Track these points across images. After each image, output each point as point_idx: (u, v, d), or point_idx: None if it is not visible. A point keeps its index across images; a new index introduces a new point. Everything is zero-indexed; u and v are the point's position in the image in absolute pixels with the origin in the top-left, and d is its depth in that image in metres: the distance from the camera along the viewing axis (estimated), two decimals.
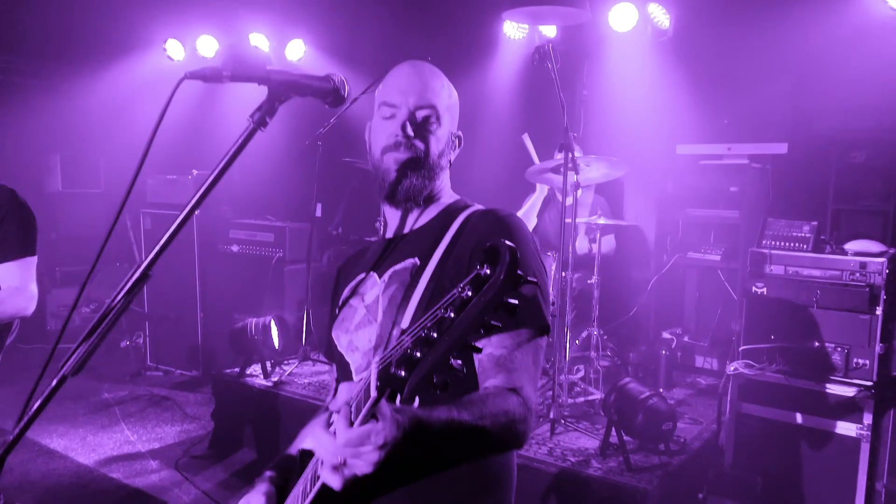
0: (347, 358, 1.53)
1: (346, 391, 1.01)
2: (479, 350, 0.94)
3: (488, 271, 0.88)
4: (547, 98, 4.47)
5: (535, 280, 0.92)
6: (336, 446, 0.98)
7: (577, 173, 3.83)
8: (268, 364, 4.74)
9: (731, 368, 3.74)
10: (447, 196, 1.62)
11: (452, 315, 0.90)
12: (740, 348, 3.76)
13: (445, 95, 1.55)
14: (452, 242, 1.47)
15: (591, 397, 4.20)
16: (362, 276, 1.60)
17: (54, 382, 1.23)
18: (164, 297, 6.10)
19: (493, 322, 0.90)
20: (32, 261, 2.70)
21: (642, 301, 5.32)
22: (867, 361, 3.46)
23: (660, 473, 3.36)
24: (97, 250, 1.31)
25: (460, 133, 1.63)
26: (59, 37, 6.58)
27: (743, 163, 5.01)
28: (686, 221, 5.32)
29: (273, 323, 4.85)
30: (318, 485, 1.15)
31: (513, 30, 5.52)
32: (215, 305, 5.97)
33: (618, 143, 5.16)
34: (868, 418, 3.40)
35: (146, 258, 1.27)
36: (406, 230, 1.59)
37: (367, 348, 1.48)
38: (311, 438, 1.48)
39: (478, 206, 1.59)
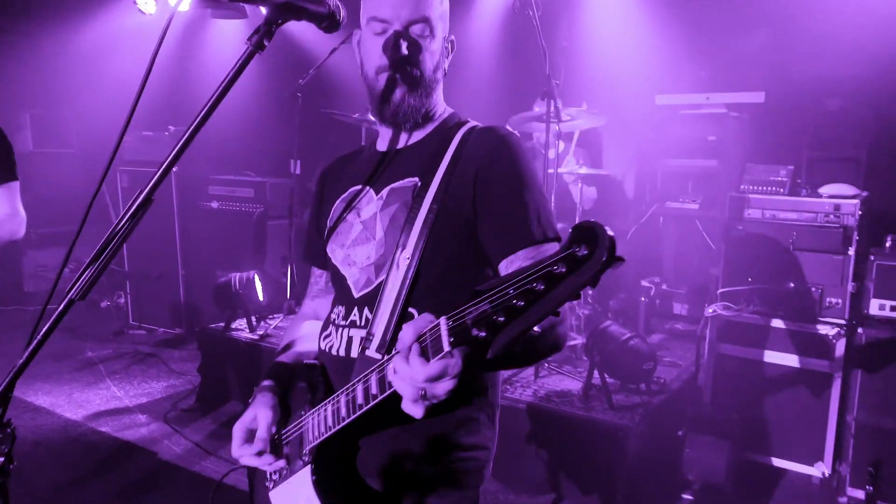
0: (343, 271, 1.54)
1: (412, 332, 1.07)
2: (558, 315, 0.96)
3: (585, 252, 0.89)
4: (527, 46, 4.46)
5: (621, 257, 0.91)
6: (418, 379, 1.04)
7: (559, 121, 3.86)
8: (253, 318, 4.76)
9: (710, 310, 3.84)
10: (441, 108, 1.59)
11: (543, 288, 0.91)
12: (719, 291, 3.86)
13: (437, 2, 1.49)
14: (453, 161, 1.46)
15: (572, 342, 4.29)
16: (356, 189, 1.58)
17: (61, 306, 1.25)
18: (145, 255, 6.07)
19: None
20: (16, 185, 2.70)
21: (621, 250, 5.39)
22: (840, 300, 3.58)
23: (641, 412, 3.46)
24: (72, 211, 1.32)
25: (453, 37, 1.57)
26: None
27: (721, 112, 5.06)
28: (665, 171, 5.39)
29: (257, 277, 4.86)
30: (373, 403, 1.22)
31: None
32: (197, 262, 5.96)
33: (598, 93, 5.18)
34: (840, 355, 3.53)
35: (149, 183, 1.28)
36: (400, 145, 1.56)
37: (365, 264, 1.49)
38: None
39: (474, 122, 1.57)
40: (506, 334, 0.95)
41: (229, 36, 6.58)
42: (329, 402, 1.36)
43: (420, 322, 1.07)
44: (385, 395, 1.18)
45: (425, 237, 1.40)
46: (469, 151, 1.46)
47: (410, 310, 1.41)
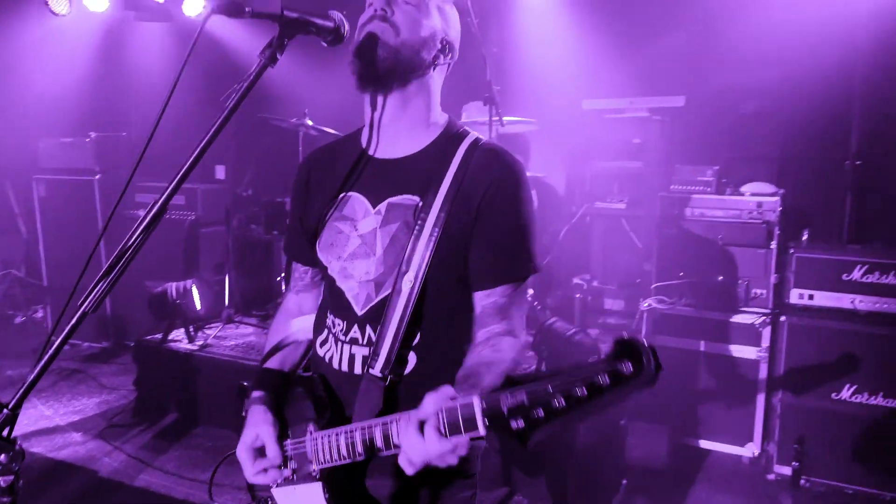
0: (340, 284, 1.53)
1: (434, 402, 1.13)
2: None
3: (631, 370, 0.94)
4: (463, 50, 4.56)
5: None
6: (431, 453, 1.11)
7: (501, 125, 3.97)
8: (191, 328, 4.65)
9: (645, 304, 4.05)
10: (439, 115, 1.55)
11: (585, 395, 0.96)
12: (653, 286, 4.07)
13: None
14: (456, 181, 1.44)
15: None
16: (347, 195, 1.55)
17: (75, 319, 1.24)
18: (65, 268, 5.80)
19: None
20: None
21: (555, 250, 5.59)
22: (764, 291, 3.85)
23: None
24: None
25: (453, 44, 1.55)
26: None
27: (644, 115, 5.32)
28: (593, 173, 5.60)
29: (194, 286, 4.75)
30: (381, 456, 1.28)
31: None
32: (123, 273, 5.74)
33: (527, 99, 5.34)
34: (766, 342, 3.80)
35: (164, 192, 1.28)
36: (396, 152, 1.53)
37: (364, 279, 1.49)
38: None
39: (475, 135, 1.54)
40: (544, 430, 1.00)
41: (152, 38, 6.38)
42: (343, 431, 1.36)
43: (441, 396, 1.13)
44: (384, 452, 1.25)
45: (428, 261, 1.41)
46: (473, 174, 1.45)
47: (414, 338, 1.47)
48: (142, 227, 1.28)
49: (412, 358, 1.47)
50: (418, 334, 1.46)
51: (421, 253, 1.41)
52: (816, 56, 4.28)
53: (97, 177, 5.60)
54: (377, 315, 1.45)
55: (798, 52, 4.32)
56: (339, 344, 1.53)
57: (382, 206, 1.49)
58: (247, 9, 1.18)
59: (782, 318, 3.72)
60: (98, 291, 1.26)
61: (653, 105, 5.31)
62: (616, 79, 5.42)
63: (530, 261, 1.47)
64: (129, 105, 6.34)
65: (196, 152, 1.31)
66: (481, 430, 1.05)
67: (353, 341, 1.50)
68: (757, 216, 3.85)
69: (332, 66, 2.84)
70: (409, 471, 1.15)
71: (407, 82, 1.47)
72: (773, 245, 3.82)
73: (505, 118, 4.13)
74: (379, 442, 1.25)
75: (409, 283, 1.41)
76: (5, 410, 1.20)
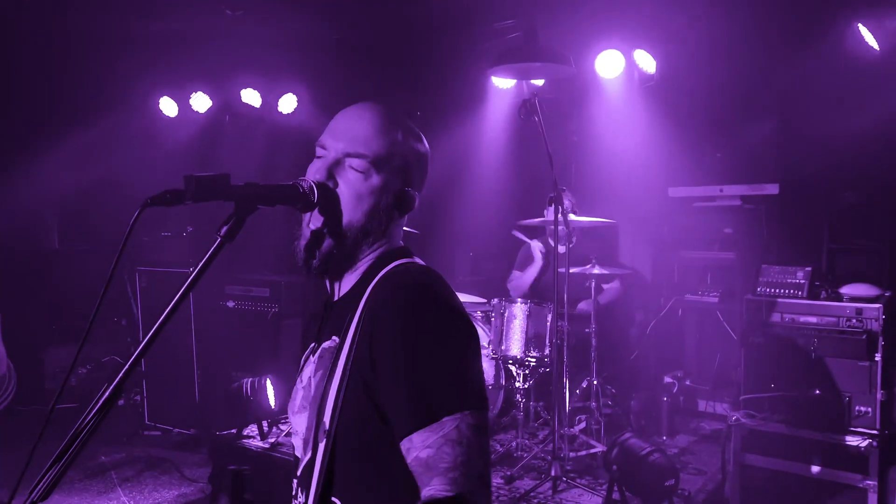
0: (294, 440, 1.42)
1: None
2: None
3: None
4: (536, 147, 4.51)
5: None
6: None
7: (567, 227, 3.83)
8: (264, 424, 4.68)
9: (733, 419, 3.69)
10: (374, 253, 1.39)
11: None
12: (741, 398, 3.71)
13: (386, 141, 1.34)
14: (361, 318, 1.28)
15: (593, 450, 4.14)
16: (312, 345, 1.46)
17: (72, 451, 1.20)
18: (160, 353, 6.06)
19: None
20: None
21: (642, 345, 5.28)
22: (869, 409, 3.41)
23: None
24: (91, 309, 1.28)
25: (412, 191, 1.39)
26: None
27: (735, 204, 5.02)
28: (682, 264, 5.31)
29: (269, 382, 4.80)
30: None
31: (501, 80, 5.57)
32: (212, 362, 5.93)
33: (610, 187, 5.19)
34: (874, 468, 3.34)
35: (117, 376, 1.24)
36: (337, 294, 1.43)
37: (304, 436, 1.36)
38: None
39: (397, 263, 1.36)
40: None
41: (247, 135, 6.75)
42: None
43: None
44: None
45: (339, 410, 1.25)
46: (369, 307, 1.29)
47: (333, 500, 1.28)
48: (95, 410, 1.23)
49: None
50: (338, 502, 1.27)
51: (331, 402, 1.26)
52: None
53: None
54: (307, 476, 1.30)
55: None
56: None
57: (318, 353, 1.40)
58: (187, 196, 1.14)
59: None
60: (49, 478, 1.22)
61: (745, 193, 5.01)
62: (704, 167, 5.17)
63: (449, 396, 1.19)
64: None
65: (166, 312, 1.26)
66: None
67: None
68: (856, 324, 3.45)
69: None
70: None
71: (356, 261, 1.38)
72: (878, 357, 3.39)
73: (574, 217, 3.99)
74: None
75: (323, 435, 1.26)
76: None
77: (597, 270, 4.31)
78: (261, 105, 6.60)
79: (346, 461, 1.26)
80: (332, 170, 1.33)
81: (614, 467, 3.46)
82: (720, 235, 5.11)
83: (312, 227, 1.34)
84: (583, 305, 4.64)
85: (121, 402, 6.52)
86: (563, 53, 4.27)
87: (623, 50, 5.09)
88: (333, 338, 1.35)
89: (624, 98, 5.39)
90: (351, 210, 1.32)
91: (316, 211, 1.32)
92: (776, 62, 4.54)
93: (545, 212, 4.62)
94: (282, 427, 4.82)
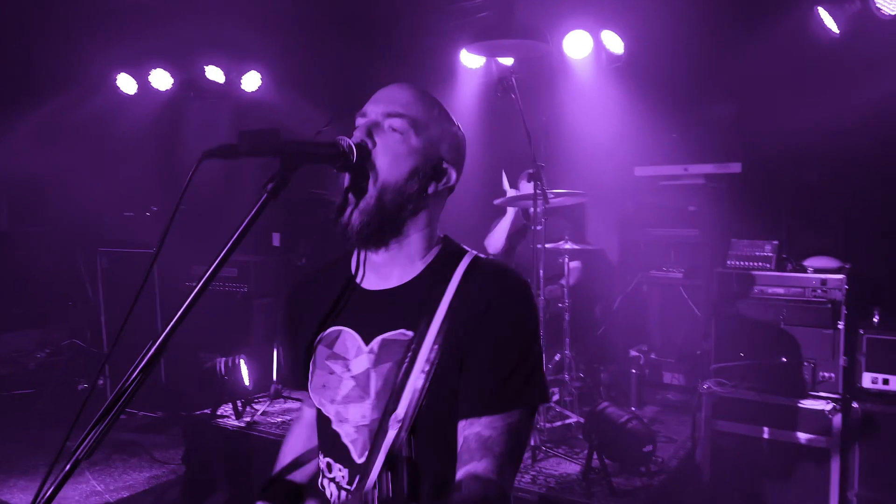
0: (336, 427, 1.42)
1: None
2: None
3: None
4: (508, 124, 4.55)
5: None
6: None
7: (546, 203, 3.90)
8: (238, 403, 4.65)
9: (704, 387, 3.83)
10: (432, 239, 1.43)
11: None
12: (712, 367, 3.86)
13: (427, 109, 1.38)
14: (452, 308, 1.32)
15: (568, 420, 4.24)
16: (337, 330, 1.44)
17: (68, 466, 1.20)
18: (124, 337, 5.94)
19: None
20: None
21: (609, 321, 5.41)
22: (833, 374, 3.59)
23: (643, 496, 3.41)
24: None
25: (451, 165, 1.42)
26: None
27: (700, 183, 5.17)
28: (647, 241, 5.45)
29: (242, 361, 4.76)
30: None
31: (470, 59, 5.59)
32: (179, 344, 5.81)
33: (578, 167, 5.27)
34: (837, 430, 3.52)
35: (162, 333, 1.25)
36: (388, 283, 1.41)
37: (360, 423, 1.37)
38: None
39: (473, 254, 1.42)
40: None
41: (210, 115, 6.62)
42: None
43: None
44: None
45: (418, 401, 1.28)
46: (470, 298, 1.33)
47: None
48: (140, 367, 1.23)
49: None
50: (409, 481, 1.31)
51: (411, 393, 1.28)
52: (883, 122, 4.08)
53: (155, 250, 5.75)
54: (369, 462, 1.32)
55: (858, 118, 4.12)
56: (340, 492, 1.40)
57: (375, 344, 1.37)
58: (241, 149, 1.14)
59: (854, 405, 3.45)
60: (94, 436, 1.22)
61: (709, 171, 5.16)
62: (669, 147, 5.30)
63: (529, 391, 1.30)
64: (185, 180, 6.53)
65: (201, 282, 1.26)
66: None
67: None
68: (821, 294, 3.62)
69: None
70: None
71: (401, 234, 1.38)
72: (841, 325, 3.57)
73: (553, 191, 4.05)
74: None
75: (397, 424, 1.29)
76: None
77: (569, 246, 4.39)
78: (224, 82, 6.46)
79: (421, 444, 1.30)
80: (372, 130, 1.34)
81: (594, 435, 3.56)
82: (684, 213, 5.26)
83: (351, 187, 1.33)
84: (552, 288, 4.70)
85: (81, 386, 6.40)
86: (540, 29, 4.31)
87: (591, 30, 5.16)
88: (401, 331, 1.34)
89: (592, 79, 5.47)
90: (389, 170, 1.32)
91: (355, 171, 1.32)
92: (738, 44, 4.66)
93: (520, 185, 4.67)
94: (256, 406, 4.80)
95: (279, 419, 4.61)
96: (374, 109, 1.36)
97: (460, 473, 1.26)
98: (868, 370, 3.48)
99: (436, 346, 1.29)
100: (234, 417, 4.59)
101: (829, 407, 3.54)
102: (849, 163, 4.45)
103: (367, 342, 1.39)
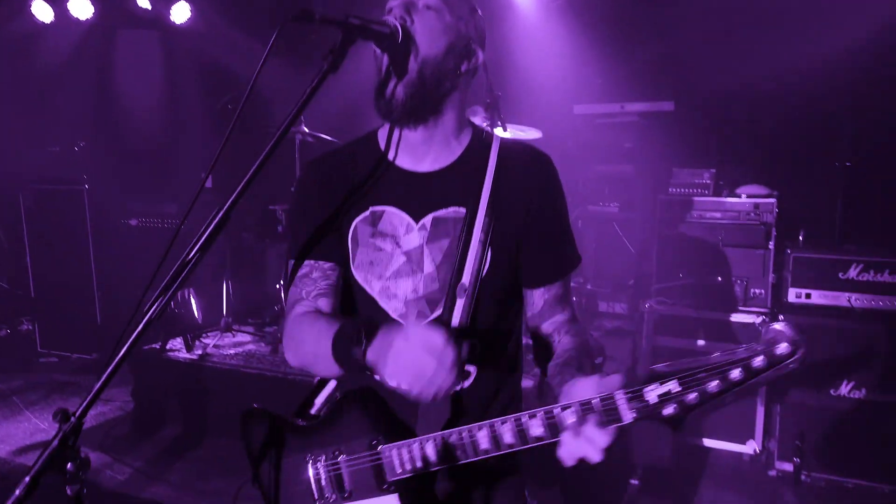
0: (382, 304, 1.49)
1: (583, 391, 1.19)
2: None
3: (787, 350, 1.07)
4: None
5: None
6: (599, 445, 1.15)
7: (504, 130, 4.01)
8: (189, 337, 4.61)
9: (647, 306, 4.10)
10: (463, 120, 1.54)
11: (741, 377, 1.09)
12: (653, 287, 4.13)
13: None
14: (496, 185, 1.46)
15: None
16: (380, 210, 1.49)
17: (140, 326, 1.24)
18: (53, 279, 5.72)
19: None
20: None
21: None
22: (762, 291, 3.93)
23: None
24: None
25: (478, 45, 1.48)
26: None
27: (635, 120, 5.40)
28: (585, 177, 5.66)
29: (192, 295, 4.71)
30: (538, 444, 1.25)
31: None
32: (114, 284, 5.67)
33: (520, 105, 5.39)
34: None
35: (228, 200, 1.29)
36: (430, 165, 1.50)
37: (410, 297, 1.46)
38: None
39: (497, 136, 1.57)
40: (693, 410, 1.13)
41: (140, 47, 6.32)
42: (430, 438, 1.33)
43: (609, 384, 1.18)
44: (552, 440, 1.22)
45: (482, 270, 1.43)
46: (513, 175, 1.50)
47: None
48: (202, 241, 1.27)
49: (472, 370, 1.48)
50: (477, 344, 1.45)
51: (472, 263, 1.43)
52: (807, 60, 4.39)
53: (86, 187, 5.53)
54: None
55: (789, 57, 4.42)
56: None
57: (427, 221, 1.47)
58: (317, 16, 1.19)
59: (780, 317, 3.79)
60: (161, 302, 1.26)
61: (643, 110, 5.40)
62: (607, 84, 5.49)
63: (576, 251, 1.60)
64: (117, 114, 6.27)
65: (256, 165, 1.31)
66: (625, 419, 1.14)
67: None
68: (754, 217, 3.93)
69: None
70: (570, 463, 1.17)
71: (439, 111, 1.47)
72: (771, 245, 3.90)
73: (511, 126, 4.16)
74: (510, 439, 1.24)
75: (465, 295, 1.42)
76: (72, 419, 1.19)
77: None
78: (151, 10, 6.15)
79: (485, 310, 1.45)
80: (409, 9, 1.40)
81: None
82: (620, 150, 5.49)
83: (394, 66, 1.40)
84: None
85: (4, 331, 6.13)
86: None
87: None
88: (454, 208, 1.46)
89: (534, 17, 5.58)
90: (429, 46, 1.40)
91: (398, 50, 1.38)
92: None
93: (468, 115, 4.76)
94: (205, 340, 4.77)
95: (231, 351, 4.61)
96: None
97: (547, 325, 1.51)
98: (793, 286, 3.82)
99: (489, 220, 1.44)
100: (184, 351, 4.55)
101: (758, 320, 3.88)
102: (776, 99, 4.76)
103: (416, 220, 1.48)
